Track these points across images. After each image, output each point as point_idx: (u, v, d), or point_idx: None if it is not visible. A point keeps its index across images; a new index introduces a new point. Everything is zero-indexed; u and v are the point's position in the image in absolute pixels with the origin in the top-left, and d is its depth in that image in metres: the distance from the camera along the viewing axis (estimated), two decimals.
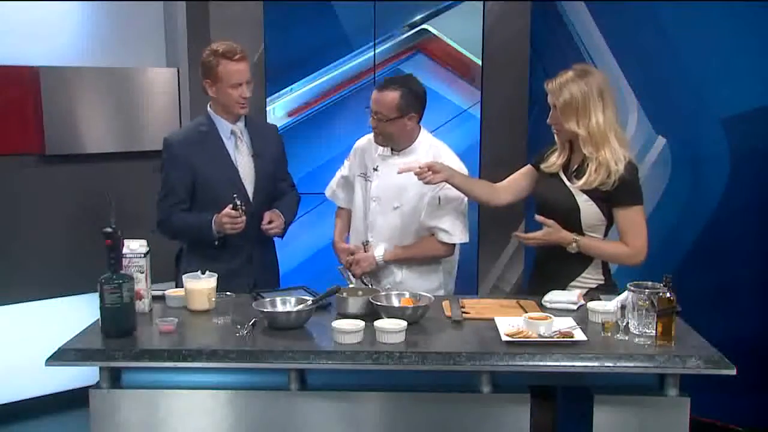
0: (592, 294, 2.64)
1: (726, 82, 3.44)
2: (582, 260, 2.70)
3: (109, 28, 3.99)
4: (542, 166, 2.81)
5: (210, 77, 2.90)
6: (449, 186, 2.85)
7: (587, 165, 2.65)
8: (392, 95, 2.84)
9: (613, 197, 2.63)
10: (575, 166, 2.72)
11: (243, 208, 2.79)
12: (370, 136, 3.03)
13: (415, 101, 2.89)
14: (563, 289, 2.66)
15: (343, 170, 3.16)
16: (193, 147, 2.92)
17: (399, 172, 2.86)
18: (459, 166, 2.94)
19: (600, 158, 2.61)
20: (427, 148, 2.96)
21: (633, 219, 2.64)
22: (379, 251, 2.95)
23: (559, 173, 2.75)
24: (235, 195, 2.79)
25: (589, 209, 2.66)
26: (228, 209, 2.77)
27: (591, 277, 2.72)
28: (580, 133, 2.63)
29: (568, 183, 2.71)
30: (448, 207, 2.92)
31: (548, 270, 2.77)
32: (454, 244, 2.98)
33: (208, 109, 2.98)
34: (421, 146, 2.96)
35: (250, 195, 2.96)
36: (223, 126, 2.96)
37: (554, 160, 2.77)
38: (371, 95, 2.92)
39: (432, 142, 3.00)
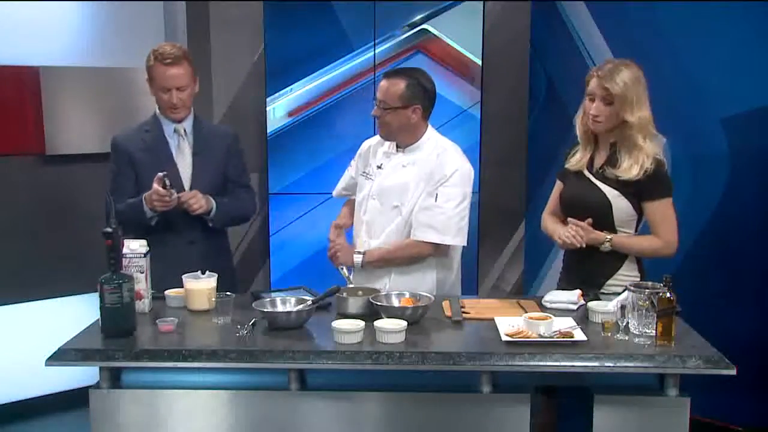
0: (593, 294, 2.63)
1: (726, 82, 3.43)
2: (618, 258, 2.68)
3: (109, 28, 3.98)
4: (567, 165, 2.78)
5: (148, 78, 2.98)
6: (451, 183, 2.79)
7: (618, 158, 2.63)
8: (398, 84, 2.80)
9: (643, 190, 2.62)
10: (601, 163, 2.70)
11: (171, 185, 2.83)
12: (378, 137, 3.01)
13: (422, 94, 2.82)
14: (600, 289, 2.65)
15: (350, 170, 3.13)
16: (138, 146, 3.01)
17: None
18: (465, 169, 2.85)
19: (646, 149, 2.59)
20: (433, 146, 2.88)
21: (664, 211, 2.64)
22: (357, 258, 2.84)
23: (583, 171, 2.73)
24: (165, 173, 2.83)
25: (620, 204, 2.65)
26: (156, 186, 2.81)
27: (628, 274, 2.70)
28: (633, 121, 2.59)
29: (595, 180, 2.69)
30: (446, 205, 2.79)
31: (582, 272, 2.73)
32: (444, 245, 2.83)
33: (156, 109, 3.05)
34: (426, 144, 2.88)
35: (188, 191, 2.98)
36: (168, 125, 3.03)
37: (579, 158, 2.75)
38: (380, 84, 2.87)
39: (439, 142, 2.90)
